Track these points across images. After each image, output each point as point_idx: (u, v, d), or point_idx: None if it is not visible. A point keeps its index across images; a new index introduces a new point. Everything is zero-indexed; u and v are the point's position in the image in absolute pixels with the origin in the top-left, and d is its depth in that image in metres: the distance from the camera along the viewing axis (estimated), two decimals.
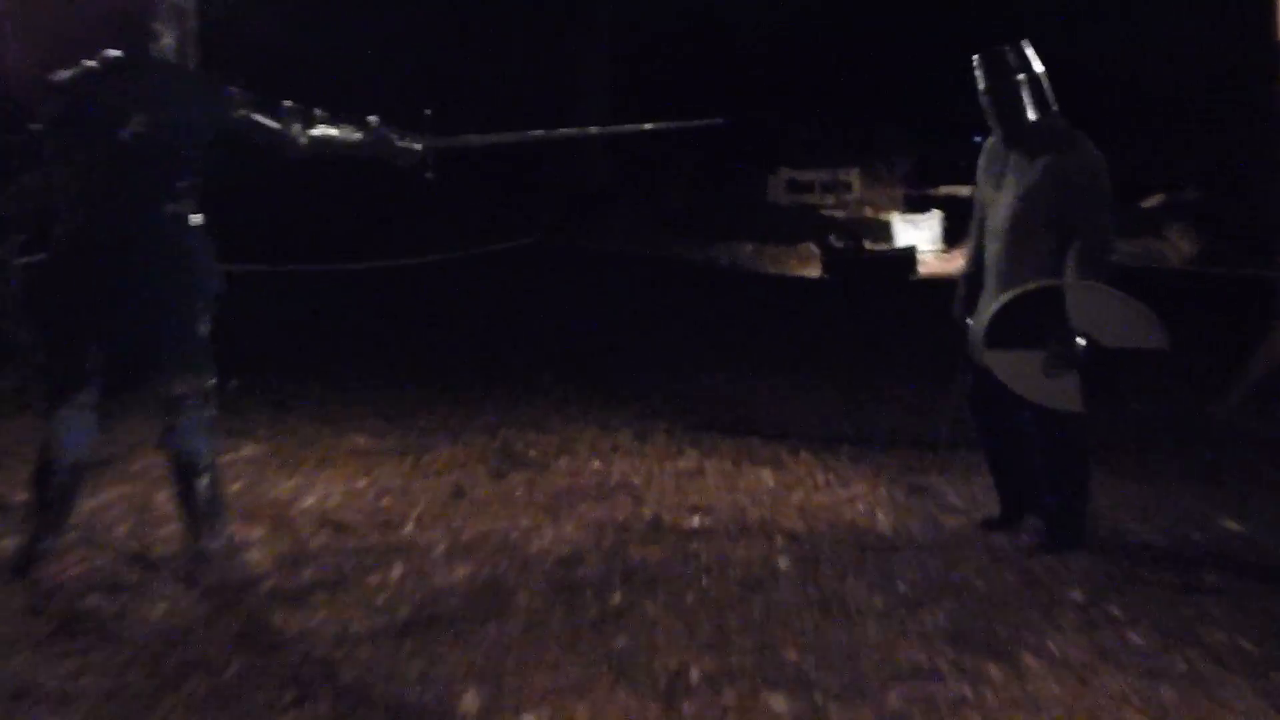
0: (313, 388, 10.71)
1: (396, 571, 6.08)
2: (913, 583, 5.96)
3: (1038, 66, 6.43)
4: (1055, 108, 6.42)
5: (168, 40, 5.99)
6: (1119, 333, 6.20)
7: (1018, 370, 6.39)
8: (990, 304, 6.38)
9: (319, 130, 6.11)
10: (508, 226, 14.83)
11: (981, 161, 6.68)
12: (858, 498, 7.57)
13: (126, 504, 7.17)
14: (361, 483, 7.77)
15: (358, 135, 6.25)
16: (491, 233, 14.77)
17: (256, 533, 6.67)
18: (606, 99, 25.49)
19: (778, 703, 4.64)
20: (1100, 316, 6.19)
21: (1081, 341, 6.18)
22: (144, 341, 5.92)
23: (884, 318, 16.22)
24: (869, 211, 27.53)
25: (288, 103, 6.08)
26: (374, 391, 10.68)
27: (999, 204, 6.47)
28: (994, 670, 4.92)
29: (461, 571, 6.10)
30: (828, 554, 6.42)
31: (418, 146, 6.39)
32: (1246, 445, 8.69)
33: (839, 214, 26.10)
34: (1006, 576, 6.05)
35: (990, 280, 6.48)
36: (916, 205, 30.43)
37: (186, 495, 6.02)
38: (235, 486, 7.57)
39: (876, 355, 12.56)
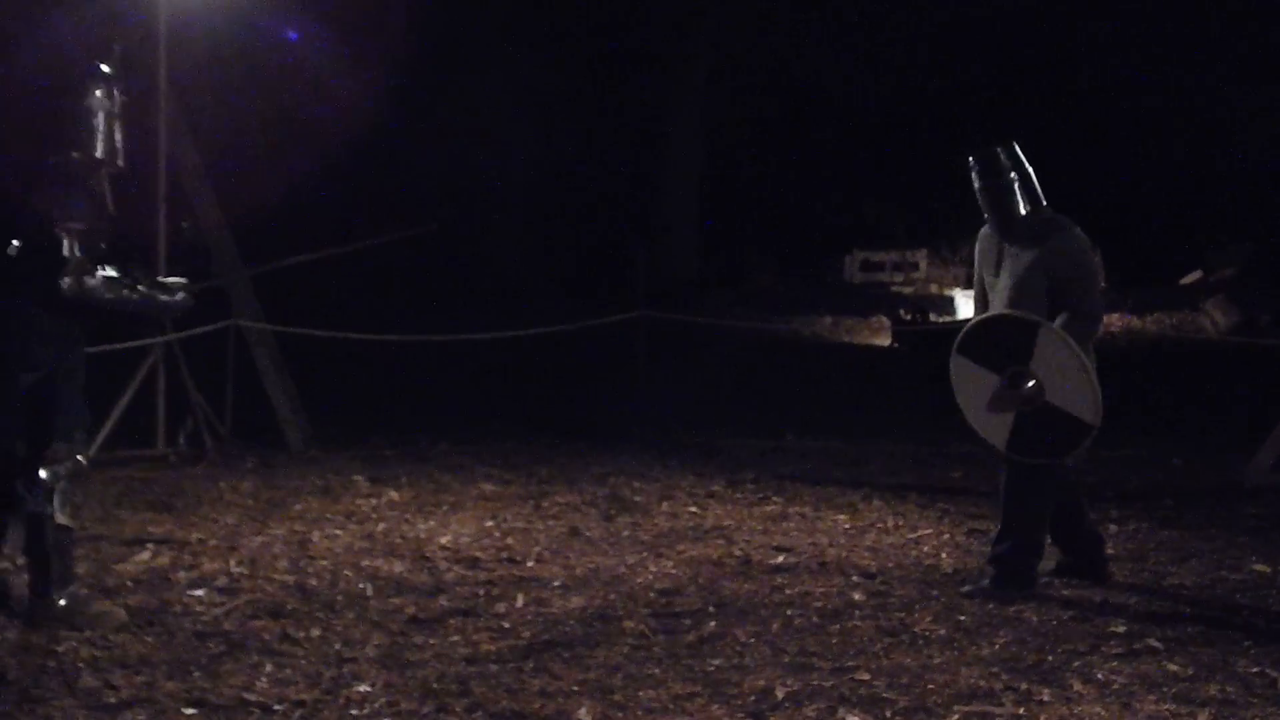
0: (447, 442, 10.82)
1: (520, 601, 6.14)
2: (972, 615, 5.94)
3: (1026, 165, 6.38)
4: (1044, 202, 6.36)
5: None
6: (1064, 391, 6.07)
7: (967, 384, 6.35)
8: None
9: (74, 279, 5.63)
10: (611, 302, 14.90)
11: (979, 248, 6.58)
12: (924, 540, 7.56)
13: (286, 542, 7.29)
14: (489, 524, 7.85)
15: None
16: (597, 307, 14.83)
17: (399, 567, 6.78)
18: (696, 184, 25.51)
19: (853, 718, 4.64)
20: (1057, 369, 6.08)
21: (1032, 382, 6.10)
22: None
23: (948, 382, 16.07)
24: (934, 288, 27.29)
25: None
26: (498, 445, 10.76)
27: (998, 287, 6.40)
28: (1045, 693, 4.88)
29: (576, 601, 6.16)
30: (897, 589, 6.42)
31: (178, 297, 5.98)
32: (1275, 497, 8.56)
33: (907, 290, 25.93)
34: (1057, 610, 6.00)
35: None
36: None
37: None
38: (380, 527, 7.70)
39: (941, 415, 12.48)
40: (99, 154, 5.80)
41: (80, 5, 10.34)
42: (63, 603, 5.76)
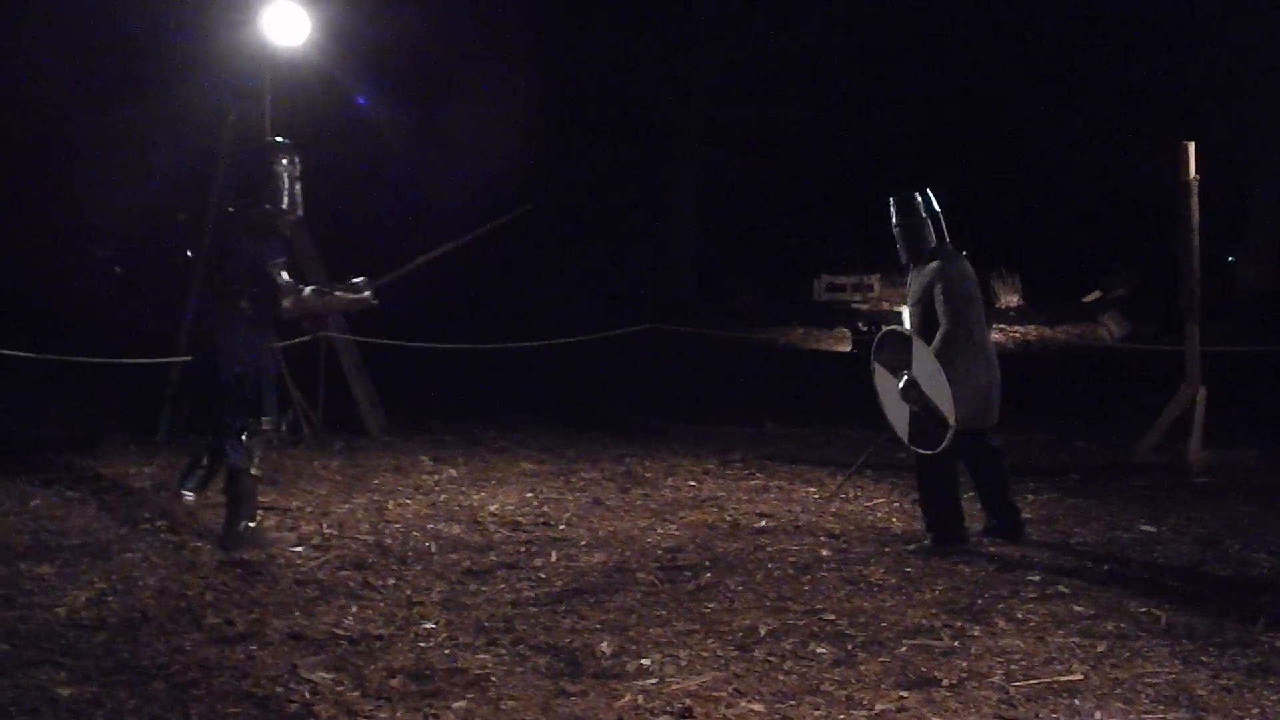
0: (494, 430, 10.81)
1: (553, 556, 6.15)
2: (917, 567, 5.95)
3: (936, 207, 6.32)
4: (947, 240, 6.30)
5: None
6: (934, 394, 6.03)
7: (884, 385, 6.34)
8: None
9: (293, 298, 6.10)
10: (625, 318, 14.84)
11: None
12: (877, 507, 7.54)
13: (367, 509, 7.30)
14: (529, 495, 7.85)
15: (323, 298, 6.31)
16: (614, 322, 14.78)
17: (457, 529, 6.79)
18: (694, 213, 25.60)
19: (821, 650, 4.65)
20: (926, 375, 6.05)
21: (915, 389, 6.07)
22: None
23: None
24: (886, 305, 27.34)
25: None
26: (536, 432, 10.75)
27: (909, 305, 6.42)
28: (976, 629, 4.90)
29: (599, 557, 6.17)
30: (856, 547, 6.42)
31: (366, 294, 6.39)
32: (1159, 471, 8.54)
33: (864, 307, 25.92)
34: (984, 563, 6.00)
35: None
36: None
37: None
38: (442, 497, 7.70)
39: None
40: (284, 205, 6.18)
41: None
42: (252, 526, 6.20)
